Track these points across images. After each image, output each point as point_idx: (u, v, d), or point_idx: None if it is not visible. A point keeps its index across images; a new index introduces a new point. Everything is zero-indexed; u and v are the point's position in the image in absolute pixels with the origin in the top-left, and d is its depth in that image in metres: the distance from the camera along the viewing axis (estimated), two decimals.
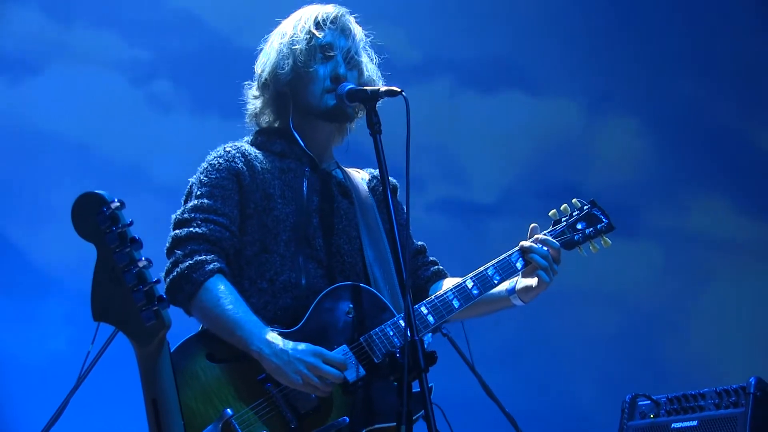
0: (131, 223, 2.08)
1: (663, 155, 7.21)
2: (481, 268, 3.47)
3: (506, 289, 3.53)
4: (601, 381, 6.63)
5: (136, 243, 2.07)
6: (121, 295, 2.07)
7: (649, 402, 4.68)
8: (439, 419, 3.24)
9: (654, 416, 4.63)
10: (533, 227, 3.56)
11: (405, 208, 3.26)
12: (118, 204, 2.07)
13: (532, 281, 3.49)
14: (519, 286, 3.52)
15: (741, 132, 7.22)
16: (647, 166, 7.24)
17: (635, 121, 7.25)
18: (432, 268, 3.70)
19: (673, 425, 4.53)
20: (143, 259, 2.08)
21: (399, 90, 3.23)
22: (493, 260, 3.49)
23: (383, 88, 3.28)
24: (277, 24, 3.60)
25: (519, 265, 3.49)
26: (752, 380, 4.30)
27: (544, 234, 3.58)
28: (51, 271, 6.19)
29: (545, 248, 3.48)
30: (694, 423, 4.46)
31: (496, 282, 3.47)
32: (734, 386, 4.38)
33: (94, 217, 2.07)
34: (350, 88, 3.38)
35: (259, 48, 3.60)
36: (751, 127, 7.24)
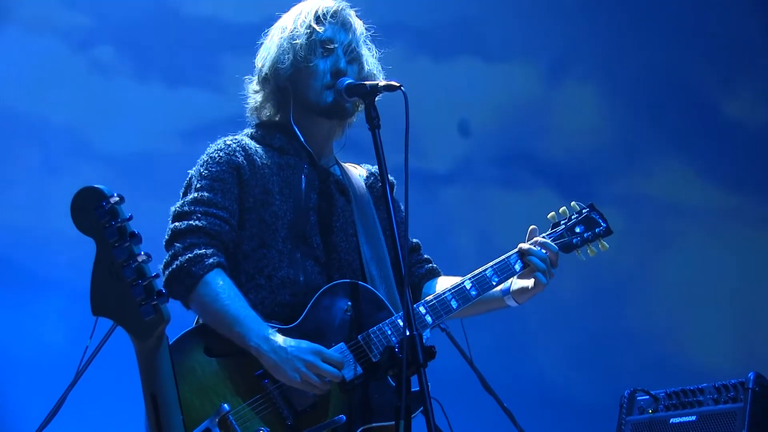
0: (130, 218, 2.07)
1: (622, 121, 7.14)
2: (480, 269, 3.48)
3: (501, 290, 3.53)
4: (600, 376, 6.63)
5: (136, 238, 2.06)
6: (120, 289, 2.06)
7: (647, 397, 4.69)
8: (438, 414, 3.24)
9: (653, 411, 4.63)
10: (532, 229, 3.57)
11: (403, 203, 3.25)
12: (117, 199, 2.06)
13: (528, 283, 3.49)
14: (514, 287, 3.52)
15: (703, 97, 7.18)
16: (607, 132, 7.16)
17: (594, 87, 7.19)
18: (426, 266, 3.70)
19: (671, 420, 4.54)
20: (142, 253, 2.07)
21: (398, 84, 3.23)
22: (491, 262, 3.50)
23: (382, 83, 3.27)
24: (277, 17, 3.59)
25: (518, 267, 3.50)
26: (751, 375, 4.32)
27: (543, 237, 3.58)
28: (48, 265, 6.18)
29: (544, 251, 3.49)
30: (693, 418, 4.46)
31: (494, 283, 3.47)
32: (733, 381, 4.39)
33: (93, 211, 2.06)
34: (349, 83, 3.38)
35: (259, 42, 3.59)
36: (713, 92, 7.21)
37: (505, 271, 3.49)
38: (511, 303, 3.54)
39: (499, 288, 3.52)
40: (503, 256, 3.51)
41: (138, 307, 2.06)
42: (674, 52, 7.17)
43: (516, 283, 3.52)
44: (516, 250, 3.51)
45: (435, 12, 6.96)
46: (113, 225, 2.05)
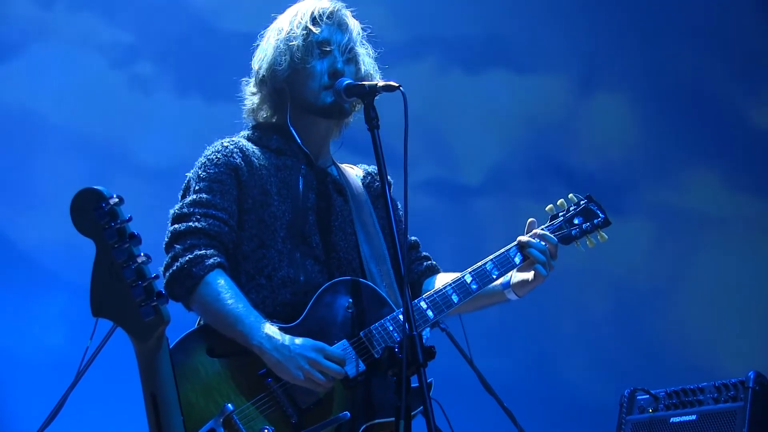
0: (130, 219, 2.07)
1: (653, 131, 7.16)
2: (480, 263, 3.48)
3: (501, 284, 3.54)
4: (600, 375, 6.63)
5: (135, 239, 2.06)
6: (120, 290, 2.06)
7: (647, 396, 4.68)
8: (437, 414, 3.24)
9: (653, 410, 4.63)
10: (531, 222, 3.57)
11: (402, 202, 3.24)
12: (116, 200, 2.06)
13: (528, 275, 3.50)
14: (514, 280, 3.53)
15: (732, 106, 7.19)
16: (638, 142, 7.19)
17: (625, 97, 7.21)
18: (425, 263, 3.70)
19: (672, 420, 4.54)
20: (142, 254, 2.06)
21: (397, 85, 3.23)
22: (491, 255, 3.50)
23: (381, 83, 3.27)
24: (272, 18, 3.59)
25: (517, 259, 3.51)
26: (751, 374, 4.32)
27: (542, 229, 3.59)
28: (47, 265, 6.19)
29: (543, 243, 3.50)
30: (693, 417, 4.46)
31: (494, 276, 3.48)
32: (733, 380, 4.39)
33: (92, 212, 2.05)
34: (348, 84, 3.38)
35: (256, 44, 3.59)
36: (744, 102, 7.21)
37: (504, 264, 3.49)
38: (512, 296, 3.55)
39: (499, 282, 3.53)
40: (502, 249, 3.51)
41: (138, 308, 2.05)
42: (702, 63, 7.19)
43: (516, 276, 3.53)
44: (515, 243, 3.52)
45: (467, 25, 6.99)
46: (113, 226, 2.05)
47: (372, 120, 3.22)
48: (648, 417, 4.63)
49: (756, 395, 4.27)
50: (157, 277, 2.08)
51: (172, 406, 2.12)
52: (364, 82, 3.36)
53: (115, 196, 2.07)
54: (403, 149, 3.10)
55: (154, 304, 2.06)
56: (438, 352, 2.96)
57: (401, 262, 3.03)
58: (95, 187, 2.08)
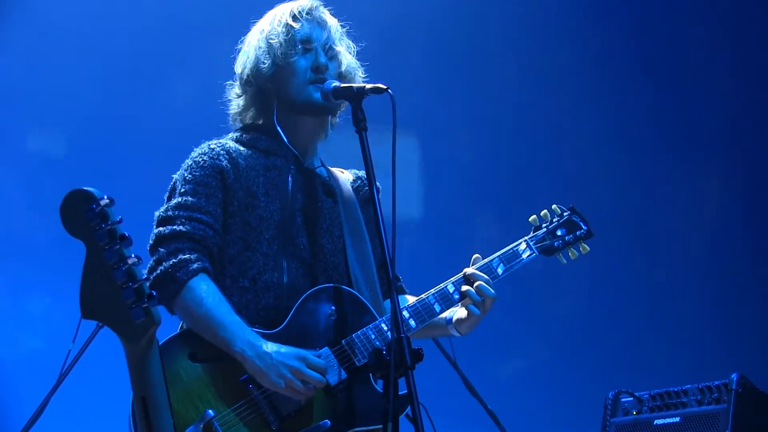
0: (120, 220, 2.06)
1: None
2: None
3: (445, 318, 3.53)
4: (584, 377, 6.65)
5: (126, 240, 2.05)
6: (110, 292, 2.05)
7: (632, 399, 4.69)
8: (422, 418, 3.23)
9: (637, 413, 4.64)
10: (475, 257, 3.55)
11: (392, 206, 3.23)
12: (107, 201, 2.05)
13: (465, 313, 3.47)
14: (455, 317, 3.52)
15: None
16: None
17: None
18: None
19: (655, 422, 4.55)
20: (133, 256, 2.06)
21: (385, 87, 3.23)
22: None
23: (369, 86, 3.27)
24: (253, 23, 3.62)
25: (456, 296, 3.46)
26: (734, 376, 4.33)
27: (525, 240, 3.62)
28: (28, 268, 6.15)
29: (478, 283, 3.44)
30: (677, 419, 4.48)
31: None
32: (716, 382, 4.40)
33: (83, 214, 2.04)
34: (335, 86, 3.38)
35: (237, 49, 3.60)
36: None
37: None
38: (455, 332, 3.54)
39: (444, 316, 3.51)
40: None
41: (128, 310, 2.05)
42: None
43: (457, 312, 3.51)
44: (460, 274, 3.48)
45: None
46: (103, 228, 2.04)
47: (360, 122, 3.21)
48: (632, 419, 4.64)
49: (739, 397, 4.28)
50: (148, 279, 2.07)
51: (163, 408, 2.11)
52: (352, 84, 3.35)
53: (105, 197, 2.06)
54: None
55: (145, 305, 2.05)
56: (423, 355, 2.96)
57: (389, 265, 3.01)
58: (86, 188, 2.06)
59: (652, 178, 7.12)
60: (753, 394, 4.32)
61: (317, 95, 3.43)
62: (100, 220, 2.04)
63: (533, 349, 6.93)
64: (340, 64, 3.52)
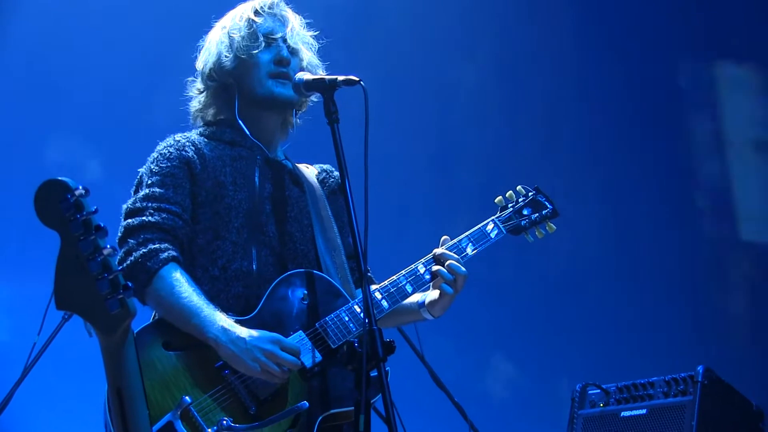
0: (96, 211, 2.02)
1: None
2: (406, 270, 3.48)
3: (417, 302, 3.55)
4: (552, 370, 6.69)
5: (101, 231, 2.01)
6: (85, 283, 2.02)
7: (599, 391, 4.74)
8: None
9: (604, 405, 4.68)
10: (444, 239, 3.57)
11: (364, 198, 3.24)
12: (82, 191, 2.01)
13: (437, 294, 3.49)
14: (428, 299, 3.53)
15: None
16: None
17: None
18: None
19: (622, 414, 4.59)
20: (108, 247, 2.02)
21: (357, 79, 3.22)
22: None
23: (341, 78, 3.26)
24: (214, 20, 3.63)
25: (427, 276, 3.48)
26: (700, 369, 4.39)
27: (492, 220, 3.64)
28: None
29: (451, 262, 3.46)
30: (644, 411, 4.52)
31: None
32: (683, 375, 4.46)
33: (57, 204, 2.01)
34: (307, 78, 3.37)
35: (199, 45, 3.61)
36: None
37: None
38: (428, 316, 3.56)
39: (416, 300, 3.53)
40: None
41: (104, 301, 2.02)
42: None
43: (429, 295, 3.53)
44: (430, 255, 3.50)
45: None
46: (78, 218, 2.01)
47: (332, 114, 3.21)
48: (599, 411, 4.69)
49: (705, 389, 4.34)
50: (123, 269, 2.05)
51: (138, 399, 2.09)
52: (324, 76, 3.35)
53: (80, 187, 2.02)
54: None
55: (120, 297, 2.02)
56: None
57: (360, 254, 3.01)
58: (60, 178, 2.03)
59: (617, 172, 7.17)
60: (718, 386, 4.39)
61: (278, 90, 3.45)
62: (75, 211, 2.00)
63: (500, 341, 6.96)
64: (302, 60, 3.54)
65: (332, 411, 3.24)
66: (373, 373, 2.91)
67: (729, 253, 6.94)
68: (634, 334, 6.82)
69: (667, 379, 4.51)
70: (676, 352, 6.49)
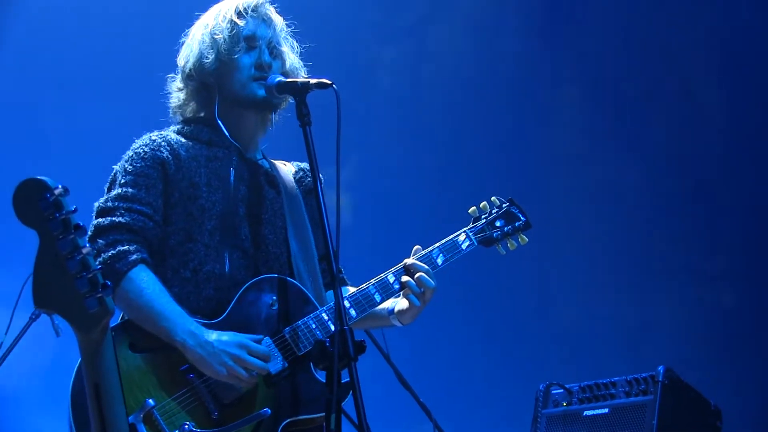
0: (75, 210, 2.04)
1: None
2: (375, 279, 3.51)
3: (386, 309, 3.57)
4: (516, 369, 6.73)
5: (80, 230, 2.03)
6: (63, 282, 2.03)
7: (562, 390, 4.79)
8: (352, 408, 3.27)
9: (567, 404, 4.74)
10: (416, 248, 3.60)
11: (336, 200, 3.26)
12: (61, 190, 2.03)
13: (406, 303, 3.53)
14: (397, 308, 3.57)
15: None
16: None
17: None
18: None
19: (585, 413, 4.65)
20: (87, 245, 2.04)
21: (329, 82, 3.25)
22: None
23: (313, 81, 3.29)
24: (197, 17, 3.61)
25: (396, 286, 3.51)
26: (661, 369, 4.47)
27: (464, 232, 3.67)
28: None
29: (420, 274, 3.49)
30: (606, 410, 4.58)
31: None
32: (644, 375, 4.53)
33: (36, 203, 2.02)
34: (279, 81, 3.39)
35: (181, 41, 3.60)
36: None
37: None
38: (396, 323, 3.59)
39: (386, 306, 3.56)
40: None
41: (82, 300, 2.03)
42: None
43: (399, 303, 3.56)
44: (401, 265, 3.53)
45: None
46: (57, 217, 2.02)
47: (304, 116, 3.23)
48: (562, 410, 4.74)
49: (665, 389, 4.41)
50: (102, 268, 2.07)
51: (115, 397, 2.12)
52: (296, 79, 3.37)
53: (60, 186, 2.04)
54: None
55: (99, 295, 2.04)
56: None
57: (332, 257, 3.05)
58: (39, 177, 2.04)
59: (577, 172, 7.24)
60: (678, 386, 4.46)
61: (260, 92, 3.45)
62: (54, 210, 2.02)
63: (465, 341, 6.99)
64: (283, 63, 3.54)
65: (295, 417, 3.25)
66: (344, 379, 2.94)
67: (692, 251, 7.01)
68: (596, 335, 6.88)
69: (628, 379, 4.58)
70: (637, 353, 6.56)
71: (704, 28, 7.05)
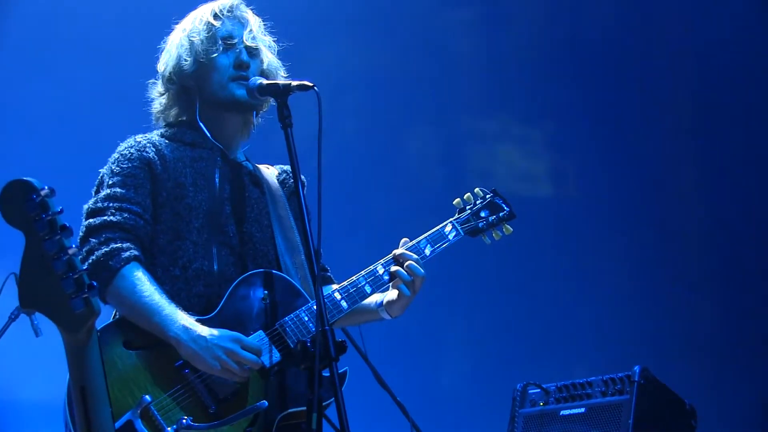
0: (61, 211, 2.05)
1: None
2: (365, 271, 3.55)
3: (375, 303, 3.62)
4: (493, 369, 6.75)
5: (66, 231, 2.04)
6: (50, 282, 2.04)
7: (539, 390, 4.82)
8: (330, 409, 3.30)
9: (544, 404, 4.76)
10: (404, 241, 3.64)
11: (317, 201, 3.28)
12: (47, 191, 2.04)
13: (395, 294, 3.57)
14: (386, 300, 3.61)
15: None
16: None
17: None
18: (321, 274, 3.73)
19: (561, 413, 4.68)
20: (73, 246, 2.05)
21: (311, 84, 3.28)
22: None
23: (295, 83, 3.31)
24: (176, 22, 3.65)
25: (386, 277, 3.55)
26: (637, 369, 4.50)
27: (450, 222, 3.72)
28: None
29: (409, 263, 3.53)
30: (582, 410, 4.62)
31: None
32: (620, 375, 4.56)
33: (22, 204, 2.03)
34: (260, 83, 3.42)
35: (161, 47, 3.63)
36: None
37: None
38: (386, 315, 3.63)
39: (374, 300, 3.60)
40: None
41: (68, 300, 2.04)
42: None
43: (387, 295, 3.60)
44: (390, 256, 3.57)
45: None
46: (43, 218, 2.03)
47: (285, 118, 3.26)
48: (539, 410, 4.77)
49: (641, 389, 4.44)
50: (88, 269, 2.08)
51: (101, 398, 2.12)
52: (278, 81, 3.40)
53: (46, 187, 2.05)
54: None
55: (85, 296, 2.05)
56: None
57: (313, 257, 3.08)
58: (26, 178, 2.05)
59: (561, 173, 7.28)
60: (654, 385, 4.49)
61: (240, 92, 3.48)
62: (40, 211, 2.03)
63: (443, 340, 7.02)
64: (262, 62, 3.57)
65: (291, 410, 3.29)
66: (327, 374, 2.97)
67: (668, 252, 7.06)
68: (574, 335, 6.92)
69: (604, 378, 4.61)
70: (613, 353, 6.60)
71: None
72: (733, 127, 6.97)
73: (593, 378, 4.68)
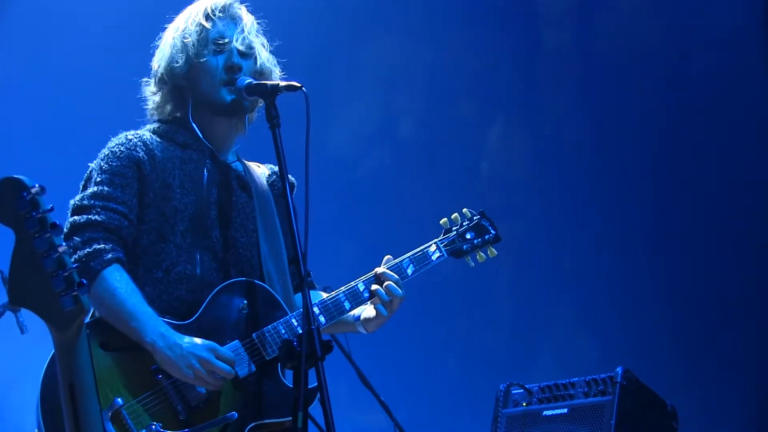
0: (52, 209, 2.05)
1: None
2: (344, 288, 3.54)
3: (353, 316, 3.61)
4: (477, 369, 6.77)
5: (57, 228, 2.05)
6: (39, 280, 2.05)
7: (522, 391, 4.85)
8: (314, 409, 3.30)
9: (527, 404, 4.79)
10: (387, 258, 3.63)
11: (305, 202, 3.28)
12: (38, 189, 2.04)
13: (373, 312, 3.57)
14: (363, 315, 3.61)
15: None
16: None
17: None
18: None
19: (544, 413, 4.71)
20: (63, 244, 2.06)
21: (299, 85, 3.27)
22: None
23: (283, 83, 3.30)
24: (170, 18, 3.61)
25: (366, 294, 3.54)
26: (619, 370, 4.54)
27: (435, 243, 3.71)
28: None
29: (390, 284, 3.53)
30: (565, 411, 4.65)
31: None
32: (602, 376, 4.60)
33: (13, 201, 2.03)
34: (249, 83, 3.40)
35: (155, 44, 3.60)
36: None
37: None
38: (362, 330, 3.63)
39: (354, 313, 3.59)
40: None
41: (58, 298, 2.05)
42: None
43: (365, 311, 3.60)
44: (371, 274, 3.56)
45: None
46: (34, 216, 2.04)
47: (273, 119, 3.25)
48: (522, 410, 4.80)
49: (623, 390, 4.49)
50: (77, 267, 2.08)
51: (90, 395, 2.13)
52: (266, 82, 3.38)
53: (37, 185, 2.05)
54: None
55: (75, 293, 2.06)
56: None
57: (300, 259, 3.08)
58: (16, 176, 2.05)
59: (548, 176, 7.30)
60: (636, 386, 4.54)
61: (229, 97, 3.45)
62: (30, 208, 2.03)
63: (426, 341, 7.03)
64: (255, 62, 3.52)
65: (261, 421, 3.27)
66: (311, 384, 2.96)
67: (654, 254, 7.09)
68: (557, 336, 6.94)
69: (587, 379, 4.65)
70: (596, 354, 6.63)
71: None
72: (724, 130, 7.00)
73: (576, 379, 4.72)
